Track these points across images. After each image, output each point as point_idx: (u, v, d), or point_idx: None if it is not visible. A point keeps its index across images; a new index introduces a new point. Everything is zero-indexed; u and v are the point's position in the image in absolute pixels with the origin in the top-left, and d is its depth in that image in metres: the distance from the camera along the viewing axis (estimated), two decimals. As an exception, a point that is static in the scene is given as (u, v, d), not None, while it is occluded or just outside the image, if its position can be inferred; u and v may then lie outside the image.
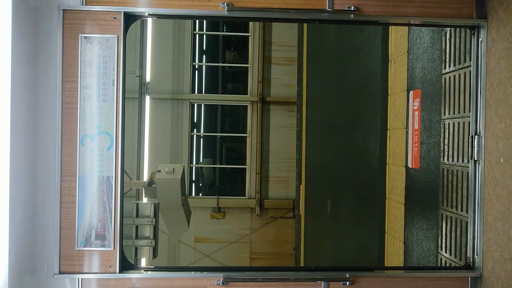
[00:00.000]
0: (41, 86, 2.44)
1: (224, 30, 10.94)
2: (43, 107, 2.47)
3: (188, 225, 6.03)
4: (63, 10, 2.57)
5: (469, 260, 2.81)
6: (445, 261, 3.38)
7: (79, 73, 2.57)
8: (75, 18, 2.58)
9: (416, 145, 3.87)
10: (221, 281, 2.63)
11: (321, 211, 7.18)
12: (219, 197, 10.30)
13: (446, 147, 3.41)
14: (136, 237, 5.07)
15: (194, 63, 10.48)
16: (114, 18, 2.60)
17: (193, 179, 10.65)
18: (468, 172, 2.88)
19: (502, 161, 2.55)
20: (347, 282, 2.67)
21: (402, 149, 4.15)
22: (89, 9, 2.58)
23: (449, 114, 3.39)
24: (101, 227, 2.59)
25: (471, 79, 2.83)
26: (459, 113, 3.22)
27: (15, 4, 2.11)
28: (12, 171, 2.13)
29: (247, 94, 10.56)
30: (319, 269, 2.82)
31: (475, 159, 2.79)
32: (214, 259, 10.05)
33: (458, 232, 3.18)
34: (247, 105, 10.53)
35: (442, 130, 3.48)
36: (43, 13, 2.46)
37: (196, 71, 10.61)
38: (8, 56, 2.10)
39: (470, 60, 2.86)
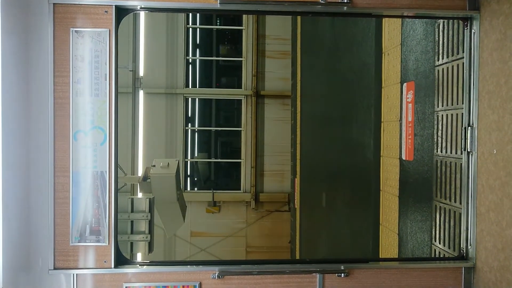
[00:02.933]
0: (32, 81, 2.42)
1: (218, 23, 10.88)
2: (35, 103, 2.45)
3: (184, 220, 6.02)
4: (54, 4, 2.54)
5: (463, 250, 2.83)
6: (439, 252, 3.41)
7: (71, 67, 2.55)
8: (65, 12, 2.55)
9: (410, 137, 3.89)
10: (216, 274, 2.64)
11: (316, 204, 7.21)
12: (214, 191, 10.31)
13: (439, 139, 3.43)
14: (132, 232, 5.06)
15: (187, 57, 10.43)
16: (106, 11, 2.57)
17: (188, 173, 10.64)
18: (461, 164, 2.90)
19: (495, 152, 2.56)
20: (342, 274, 2.69)
21: (396, 142, 4.16)
22: (80, 3, 2.56)
23: (442, 106, 3.40)
24: (96, 222, 2.59)
25: (464, 71, 2.84)
26: (452, 105, 3.23)
27: (4, -2, 2.09)
28: (5, 168, 2.11)
29: (241, 88, 10.53)
30: (314, 261, 2.83)
31: (468, 150, 2.80)
32: (210, 253, 10.08)
33: (452, 223, 3.21)
34: (241, 99, 10.51)
35: (435, 122, 3.49)
36: (33, 7, 2.43)
37: (190, 65, 10.57)
38: (-2, 51, 2.08)
39: (463, 52, 2.86)
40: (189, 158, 10.52)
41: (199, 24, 10.71)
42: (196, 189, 10.75)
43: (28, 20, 2.37)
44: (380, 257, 4.51)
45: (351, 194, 5.61)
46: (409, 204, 3.97)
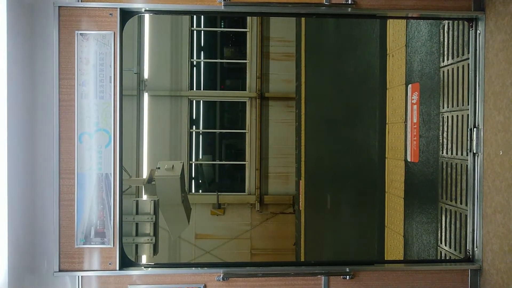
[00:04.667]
0: (37, 84, 2.43)
1: (222, 26, 10.91)
2: (40, 105, 2.46)
3: (188, 222, 6.02)
4: (59, 7, 2.56)
5: (469, 252, 2.81)
6: (445, 254, 3.39)
7: (75, 70, 2.56)
8: (71, 15, 2.57)
9: (415, 138, 3.87)
10: (221, 276, 2.64)
11: (321, 206, 7.19)
12: (219, 193, 10.30)
13: (445, 140, 3.41)
14: (136, 235, 5.07)
15: (192, 60, 10.45)
16: (110, 14, 2.58)
17: (193, 175, 10.65)
18: (467, 165, 2.88)
19: (501, 153, 2.54)
20: (347, 276, 2.68)
21: (401, 143, 4.15)
22: (85, 6, 2.57)
23: (447, 107, 3.38)
24: (101, 224, 2.59)
25: (470, 72, 2.82)
26: (457, 106, 3.22)
27: (10, 1, 2.10)
28: (10, 170, 2.12)
29: (245, 90, 10.54)
30: (319, 263, 2.82)
31: (474, 152, 2.79)
32: (214, 255, 10.07)
33: (458, 225, 3.19)
34: (245, 101, 10.51)
35: (440, 123, 3.48)
36: (39, 10, 2.45)
37: (194, 68, 10.59)
38: (3, 54, 2.09)
39: (469, 53, 2.85)
40: (193, 160, 10.53)
41: (204, 27, 10.73)
42: (200, 191, 10.75)
43: (33, 23, 2.39)
44: (385, 259, 4.49)
45: (356, 196, 5.59)
46: (414, 206, 3.95)
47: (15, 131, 2.17)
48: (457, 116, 3.21)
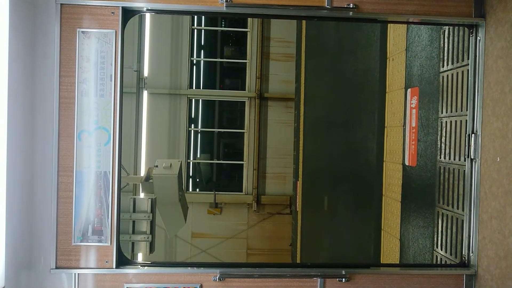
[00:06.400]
0: (38, 80, 2.43)
1: (223, 25, 10.91)
2: (40, 102, 2.46)
3: (185, 221, 6.03)
4: (61, 4, 2.56)
5: (465, 257, 2.82)
6: (441, 259, 3.40)
7: (76, 68, 2.56)
8: (72, 12, 2.57)
9: (413, 143, 3.88)
10: (217, 277, 2.64)
11: (318, 208, 7.20)
12: (216, 192, 10.31)
13: (443, 145, 3.43)
14: (133, 232, 5.08)
15: (192, 58, 10.46)
16: (112, 13, 2.58)
17: (191, 174, 10.65)
18: (464, 171, 2.89)
19: (498, 160, 2.56)
20: (343, 279, 2.69)
21: (399, 147, 4.16)
22: (87, 4, 2.57)
23: (446, 112, 3.39)
24: (98, 222, 2.60)
25: (469, 78, 2.84)
26: (456, 111, 3.23)
27: (12, -2, 2.11)
28: (9, 166, 2.13)
29: (245, 90, 10.55)
30: (315, 265, 2.83)
31: (472, 157, 2.80)
32: (210, 255, 10.08)
33: (454, 230, 3.20)
34: (245, 101, 10.52)
35: (439, 128, 3.49)
36: (41, 7, 2.45)
37: (194, 67, 10.59)
38: (5, 51, 2.10)
39: (468, 59, 2.86)
40: (191, 159, 10.54)
41: (204, 26, 10.73)
42: (198, 190, 10.76)
43: (35, 20, 2.39)
44: (381, 262, 4.50)
45: (353, 199, 5.61)
46: (411, 209, 3.96)
47: (15, 128, 2.18)
48: (456, 121, 3.22)
